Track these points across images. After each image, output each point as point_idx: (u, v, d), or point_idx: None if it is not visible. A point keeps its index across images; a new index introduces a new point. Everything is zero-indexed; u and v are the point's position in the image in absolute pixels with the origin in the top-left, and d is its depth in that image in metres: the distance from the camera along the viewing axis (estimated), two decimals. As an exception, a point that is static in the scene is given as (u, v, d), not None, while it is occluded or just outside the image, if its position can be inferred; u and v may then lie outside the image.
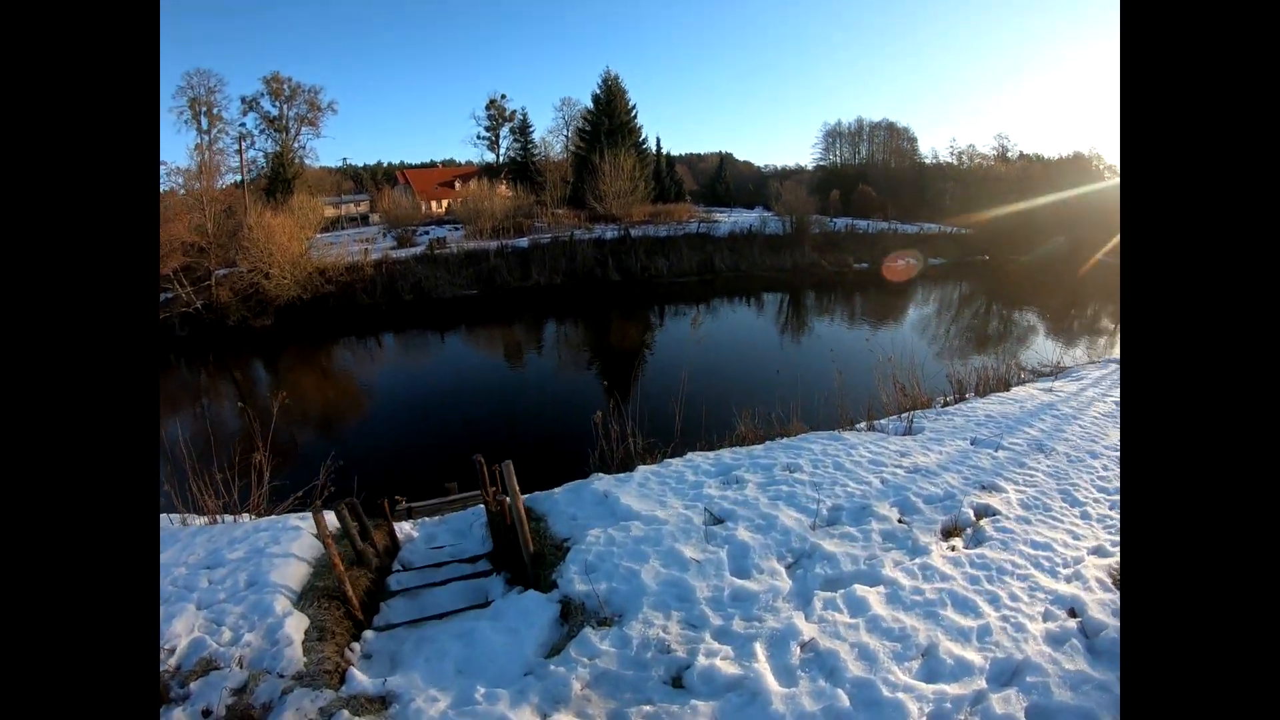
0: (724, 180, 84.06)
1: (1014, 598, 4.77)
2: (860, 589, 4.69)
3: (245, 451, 6.87)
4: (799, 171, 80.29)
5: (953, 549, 5.37)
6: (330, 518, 5.70)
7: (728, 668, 3.97)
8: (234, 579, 4.96)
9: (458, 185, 61.55)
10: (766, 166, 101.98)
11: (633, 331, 26.05)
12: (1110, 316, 30.94)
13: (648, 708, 3.74)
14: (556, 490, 6.96)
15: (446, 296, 32.00)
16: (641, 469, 7.13)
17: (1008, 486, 6.62)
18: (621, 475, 7.00)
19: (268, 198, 40.89)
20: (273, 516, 6.47)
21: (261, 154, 52.38)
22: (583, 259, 36.84)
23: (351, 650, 4.53)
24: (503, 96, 61.38)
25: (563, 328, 28.26)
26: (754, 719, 3.59)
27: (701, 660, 4.04)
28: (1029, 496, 6.45)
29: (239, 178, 44.67)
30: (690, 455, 7.63)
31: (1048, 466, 7.28)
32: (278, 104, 51.43)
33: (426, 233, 44.55)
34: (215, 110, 47.90)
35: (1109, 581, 5.12)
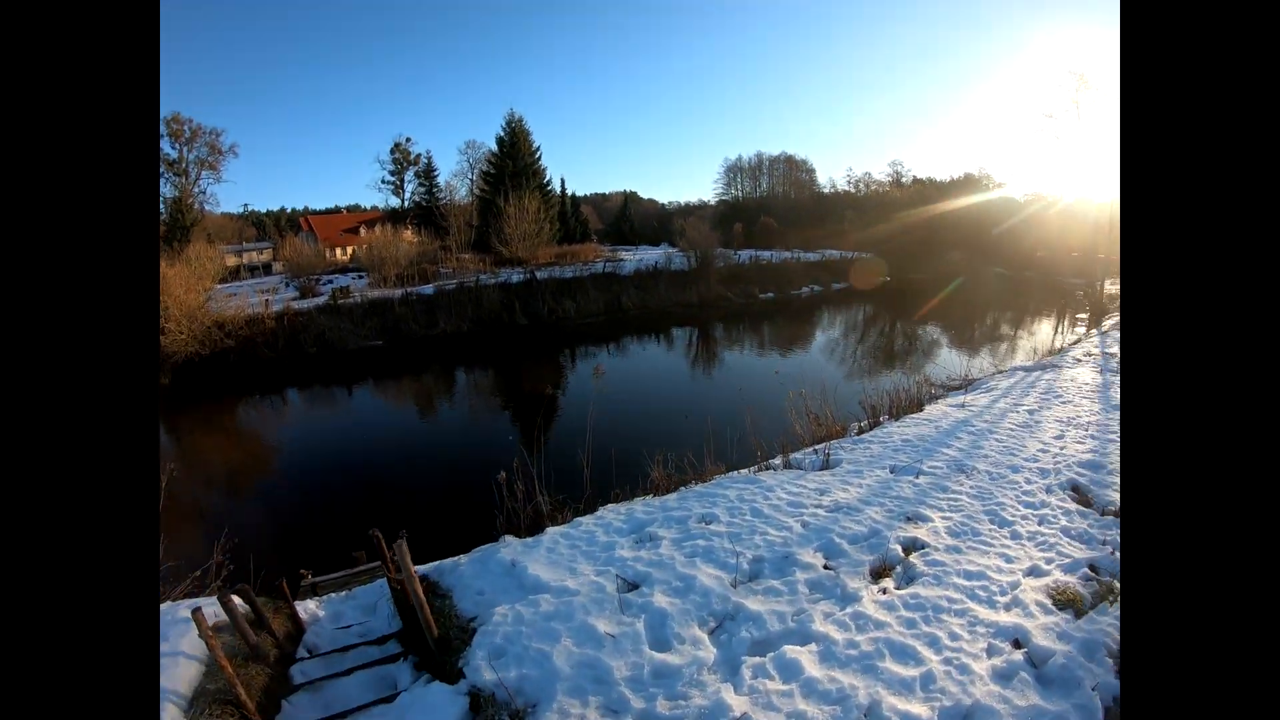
0: (629, 218, 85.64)
1: (954, 636, 4.58)
2: (791, 650, 4.37)
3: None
4: (702, 207, 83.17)
5: (884, 591, 5.14)
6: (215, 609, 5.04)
7: (653, 763, 3.55)
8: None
9: (362, 231, 59.91)
10: (670, 203, 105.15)
11: (541, 377, 25.58)
12: (1009, 324, 32.78)
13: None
14: (462, 560, 6.48)
15: (351, 348, 30.89)
16: (551, 531, 6.69)
17: (933, 515, 6.52)
18: (530, 540, 6.58)
19: (165, 246, 38.59)
20: (165, 604, 5.64)
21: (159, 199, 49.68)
22: (489, 304, 36.45)
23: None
24: (408, 140, 60.48)
25: (471, 376, 27.55)
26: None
27: (623, 756, 3.61)
28: (956, 523, 6.36)
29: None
30: (602, 511, 7.23)
31: (971, 488, 7.27)
32: (177, 146, 49.34)
33: (330, 281, 43.31)
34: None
35: (1049, 603, 5.02)
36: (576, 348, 32.06)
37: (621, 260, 48.86)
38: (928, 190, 63.54)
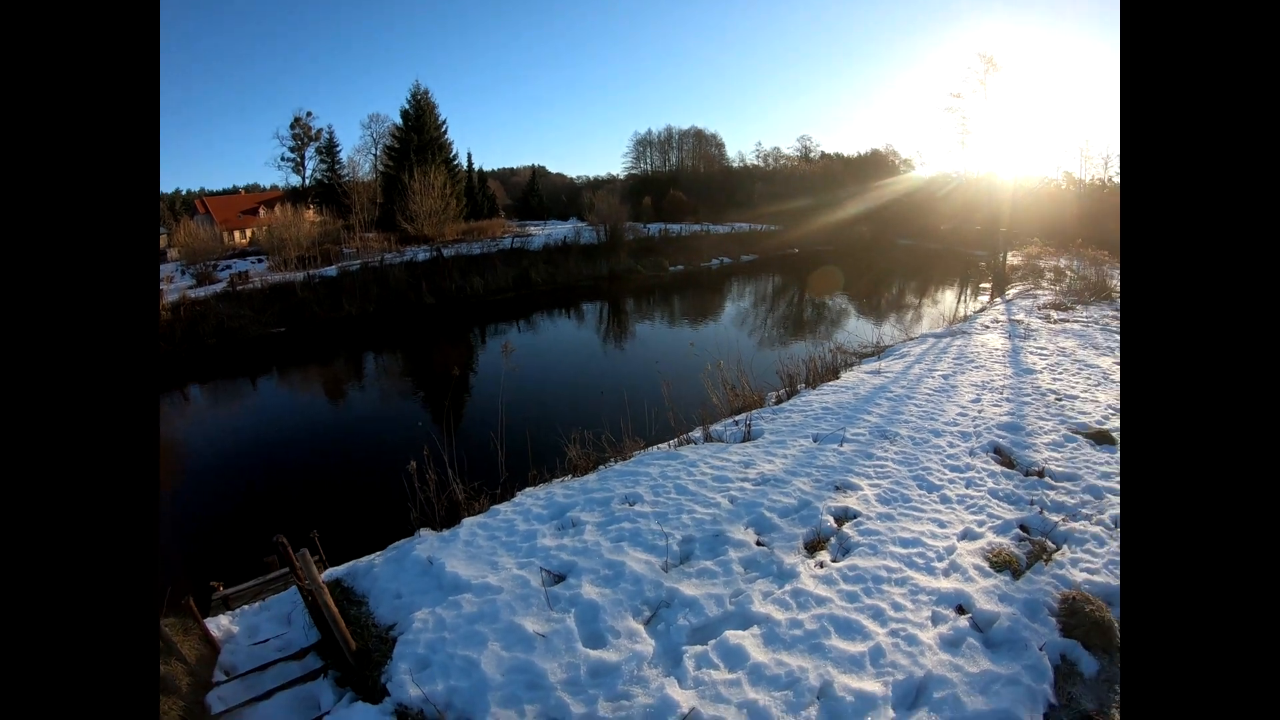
0: (537, 193, 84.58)
1: (897, 607, 4.48)
2: (733, 635, 4.14)
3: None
4: (611, 181, 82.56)
5: (821, 565, 5.00)
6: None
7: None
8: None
9: (262, 212, 56.01)
10: (579, 177, 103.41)
11: (451, 357, 24.76)
12: (913, 292, 34.04)
13: None
14: (377, 561, 5.98)
15: (253, 336, 29.13)
16: (468, 522, 6.27)
17: (861, 483, 6.46)
18: (447, 533, 6.16)
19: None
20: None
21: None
22: (395, 283, 35.09)
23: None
24: (308, 114, 56.27)
25: (379, 360, 26.37)
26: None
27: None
28: (885, 490, 6.32)
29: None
30: (520, 497, 6.84)
31: (896, 454, 7.28)
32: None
33: (229, 267, 40.67)
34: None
35: (986, 566, 5.02)
36: (486, 325, 31.32)
37: (530, 235, 48.06)
38: (835, 165, 65.51)
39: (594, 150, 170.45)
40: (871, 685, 3.75)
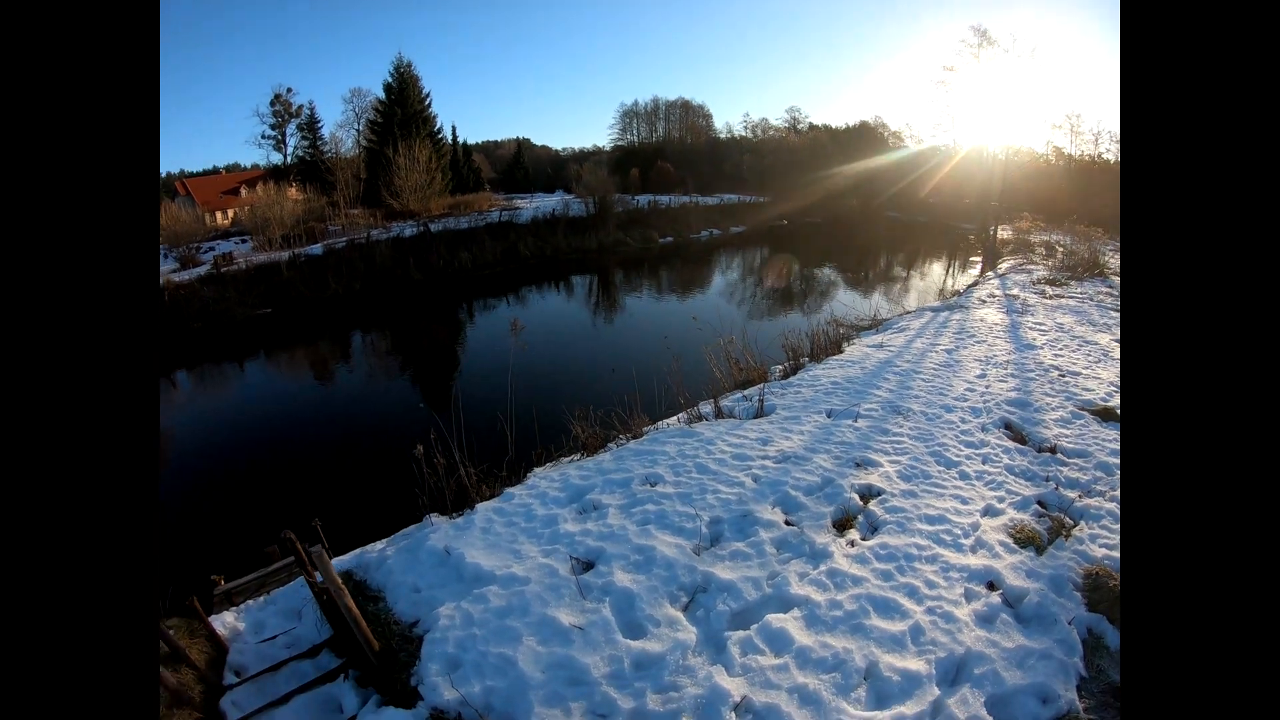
0: (523, 166, 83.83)
1: (931, 585, 4.56)
2: (774, 619, 4.19)
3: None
4: (597, 153, 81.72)
5: (852, 544, 5.06)
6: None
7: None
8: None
9: (244, 191, 54.94)
10: (565, 150, 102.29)
11: (443, 335, 24.63)
12: (901, 264, 34.12)
13: None
14: (389, 550, 5.82)
15: (239, 318, 28.64)
16: (482, 508, 6.15)
17: (881, 459, 6.53)
18: (460, 520, 6.02)
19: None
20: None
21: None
22: (382, 260, 34.66)
23: None
24: (289, 90, 54.99)
25: (369, 338, 26.08)
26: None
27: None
28: (905, 466, 6.39)
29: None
30: (533, 479, 6.76)
31: (910, 429, 7.35)
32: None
33: (212, 248, 39.71)
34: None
35: (1010, 542, 5.12)
36: (476, 300, 31.11)
37: (518, 209, 47.66)
38: (823, 137, 65.16)
39: (579, 122, 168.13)
40: (915, 664, 3.83)
